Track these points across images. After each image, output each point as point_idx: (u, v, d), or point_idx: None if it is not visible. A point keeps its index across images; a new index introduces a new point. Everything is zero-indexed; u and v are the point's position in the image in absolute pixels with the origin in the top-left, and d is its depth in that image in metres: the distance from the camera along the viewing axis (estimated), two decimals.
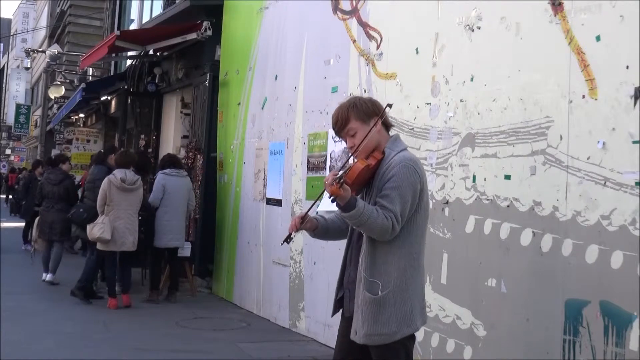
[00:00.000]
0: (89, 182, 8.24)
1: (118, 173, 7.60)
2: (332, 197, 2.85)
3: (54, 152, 20.38)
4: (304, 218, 3.09)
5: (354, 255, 3.14)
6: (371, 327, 2.98)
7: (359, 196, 3.02)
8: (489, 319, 4.25)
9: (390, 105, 3.10)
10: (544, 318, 3.85)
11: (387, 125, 3.18)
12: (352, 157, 3.09)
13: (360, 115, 3.08)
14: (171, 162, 8.40)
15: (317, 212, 3.44)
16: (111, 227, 7.45)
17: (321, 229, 3.21)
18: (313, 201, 3.24)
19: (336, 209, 2.96)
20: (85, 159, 17.07)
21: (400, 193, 2.92)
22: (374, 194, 3.01)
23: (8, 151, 45.63)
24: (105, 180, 7.59)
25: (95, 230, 7.49)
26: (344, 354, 3.17)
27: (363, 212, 2.84)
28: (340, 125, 3.12)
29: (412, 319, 2.99)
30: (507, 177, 4.19)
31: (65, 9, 27.10)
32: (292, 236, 3.12)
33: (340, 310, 3.24)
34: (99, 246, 7.62)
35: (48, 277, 9.20)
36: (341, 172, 2.92)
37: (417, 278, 3.04)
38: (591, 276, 3.58)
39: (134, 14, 17.01)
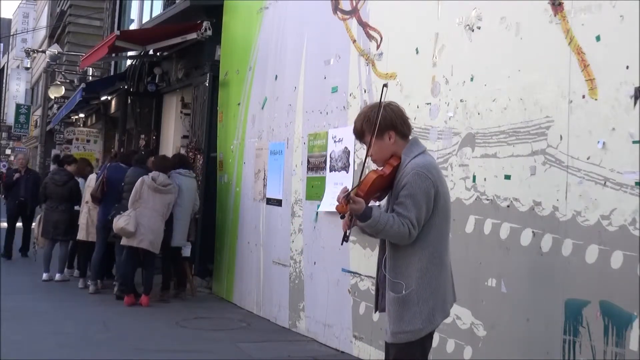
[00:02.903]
0: (128, 183, 8.20)
1: (153, 174, 7.87)
2: (341, 214, 2.97)
3: (54, 152, 20.38)
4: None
5: (382, 255, 3.24)
6: (397, 325, 3.06)
7: (387, 196, 3.16)
8: (489, 319, 4.25)
9: (386, 85, 3.14)
10: (544, 318, 3.85)
11: (403, 135, 3.21)
12: (365, 166, 3.17)
13: (372, 130, 3.14)
14: (182, 162, 8.58)
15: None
16: (136, 221, 7.61)
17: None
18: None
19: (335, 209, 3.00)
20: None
21: (414, 200, 3.01)
22: (393, 200, 3.11)
23: (8, 151, 45.58)
24: (140, 179, 7.84)
25: (121, 221, 7.68)
26: None
27: (379, 221, 2.96)
28: (358, 137, 3.27)
29: (433, 315, 3.07)
30: (507, 177, 4.19)
31: (65, 9, 27.11)
32: (347, 234, 3.11)
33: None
34: (122, 241, 7.77)
35: (57, 276, 9.34)
36: (351, 188, 2.98)
37: (440, 276, 3.10)
38: (591, 276, 3.58)
39: (134, 14, 17.01)
